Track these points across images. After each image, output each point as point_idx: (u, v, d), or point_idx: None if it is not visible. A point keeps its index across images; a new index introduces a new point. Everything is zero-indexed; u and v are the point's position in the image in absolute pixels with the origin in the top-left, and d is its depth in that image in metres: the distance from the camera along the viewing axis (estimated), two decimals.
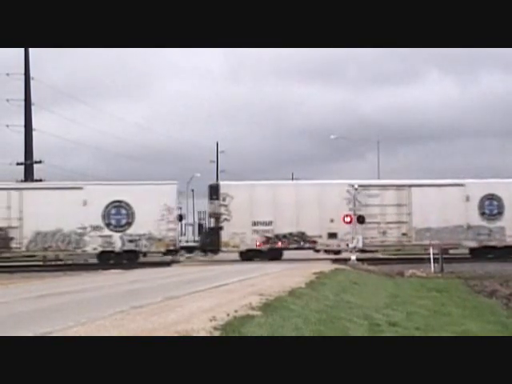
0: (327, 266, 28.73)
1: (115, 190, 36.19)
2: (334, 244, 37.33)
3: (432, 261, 31.09)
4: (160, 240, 36.21)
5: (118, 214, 35.96)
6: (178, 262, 37.32)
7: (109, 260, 35.28)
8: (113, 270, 29.65)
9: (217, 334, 8.98)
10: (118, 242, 35.85)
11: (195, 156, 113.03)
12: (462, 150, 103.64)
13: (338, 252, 37.60)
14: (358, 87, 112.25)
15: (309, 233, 36.90)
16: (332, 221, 36.78)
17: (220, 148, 76.57)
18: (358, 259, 34.72)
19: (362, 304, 16.28)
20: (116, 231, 35.87)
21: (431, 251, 31.70)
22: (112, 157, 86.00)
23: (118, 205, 35.95)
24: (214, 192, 37.66)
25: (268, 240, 36.91)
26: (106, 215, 35.79)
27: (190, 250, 41.55)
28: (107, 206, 35.80)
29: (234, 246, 37.00)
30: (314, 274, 22.46)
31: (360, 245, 36.53)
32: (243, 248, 36.90)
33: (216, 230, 37.27)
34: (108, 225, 35.77)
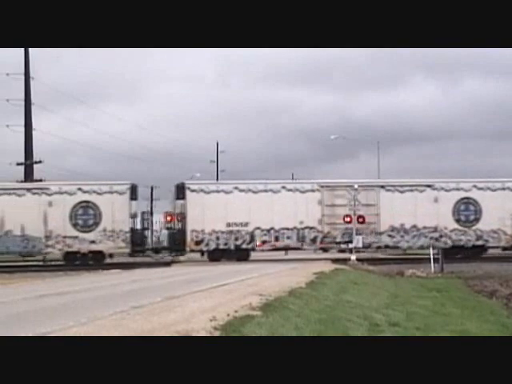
0: (327, 266, 28.75)
1: None
2: None
3: (432, 261, 31.07)
4: None
5: None
6: (178, 261, 37.33)
7: None
8: (113, 270, 29.64)
9: (217, 333, 8.98)
10: None
11: (195, 156, 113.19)
12: (450, 151, 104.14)
13: None
14: (348, 90, 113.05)
15: None
16: None
17: (220, 148, 76.57)
18: (357, 259, 34.76)
19: (362, 304, 16.26)
20: None
21: (431, 251, 31.69)
22: (111, 157, 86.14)
23: None
24: None
25: None
26: None
27: None
28: None
29: None
30: (314, 273, 22.47)
31: (360, 245, 36.53)
32: None
33: None
34: None
